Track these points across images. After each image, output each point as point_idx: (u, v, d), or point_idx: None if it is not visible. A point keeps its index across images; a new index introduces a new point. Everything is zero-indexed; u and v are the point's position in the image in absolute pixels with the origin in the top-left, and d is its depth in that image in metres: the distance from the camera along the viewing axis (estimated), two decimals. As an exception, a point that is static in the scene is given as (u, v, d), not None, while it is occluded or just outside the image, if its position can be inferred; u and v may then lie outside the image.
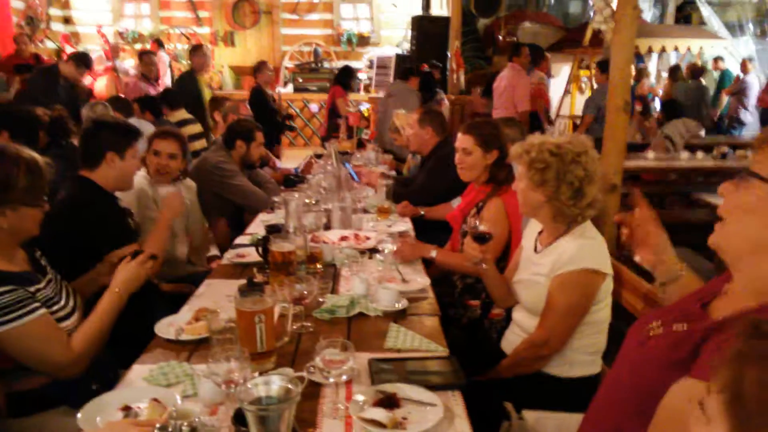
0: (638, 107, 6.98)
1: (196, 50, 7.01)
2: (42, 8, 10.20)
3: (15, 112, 3.81)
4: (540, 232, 2.08)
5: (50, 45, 10.47)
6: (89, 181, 2.37)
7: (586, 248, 1.88)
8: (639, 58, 9.06)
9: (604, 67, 6.83)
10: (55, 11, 10.79)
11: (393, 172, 4.83)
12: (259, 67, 7.25)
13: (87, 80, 8.82)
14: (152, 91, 6.85)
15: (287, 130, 7.86)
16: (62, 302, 1.79)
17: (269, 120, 6.84)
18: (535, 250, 2.05)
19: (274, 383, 0.96)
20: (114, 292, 1.86)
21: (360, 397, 1.46)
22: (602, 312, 1.93)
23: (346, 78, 7.76)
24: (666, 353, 1.17)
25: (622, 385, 1.29)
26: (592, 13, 9.23)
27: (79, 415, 1.38)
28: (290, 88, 10.65)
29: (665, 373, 1.12)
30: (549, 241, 1.99)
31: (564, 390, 1.91)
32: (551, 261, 1.92)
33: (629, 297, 2.07)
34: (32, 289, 1.66)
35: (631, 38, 3.65)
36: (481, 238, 2.03)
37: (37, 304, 1.62)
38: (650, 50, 8.80)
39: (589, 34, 4.36)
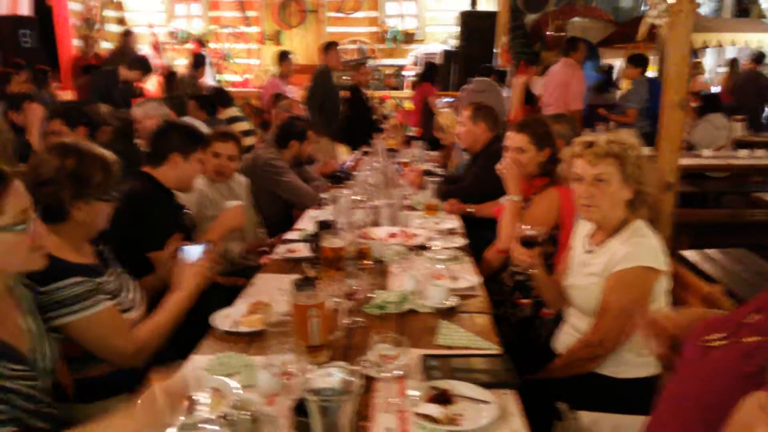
0: (693, 104, 6.76)
1: (329, 48, 6.85)
2: (97, 10, 10.56)
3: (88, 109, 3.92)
4: (589, 234, 2.04)
5: (105, 46, 10.84)
6: (150, 176, 2.44)
7: (640, 246, 1.84)
8: (692, 53, 8.75)
9: (636, 62, 6.65)
10: (109, 13, 11.14)
11: (440, 169, 4.81)
12: (356, 66, 7.23)
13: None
14: (287, 90, 7.00)
15: (378, 132, 7.86)
16: (125, 295, 1.86)
17: (365, 120, 6.88)
18: (586, 251, 2.02)
19: (336, 375, 0.98)
20: (183, 291, 1.92)
21: (413, 393, 1.47)
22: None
23: (433, 75, 7.73)
24: (735, 365, 1.14)
25: (685, 396, 1.26)
26: (643, 7, 8.99)
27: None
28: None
29: (734, 385, 1.09)
30: (601, 241, 1.96)
31: (619, 391, 1.88)
32: (605, 260, 1.89)
33: (688, 298, 2.02)
34: (99, 280, 1.73)
35: (688, 33, 3.55)
36: (530, 243, 2.01)
37: (104, 296, 1.70)
38: (705, 45, 8.49)
39: (643, 29, 4.23)
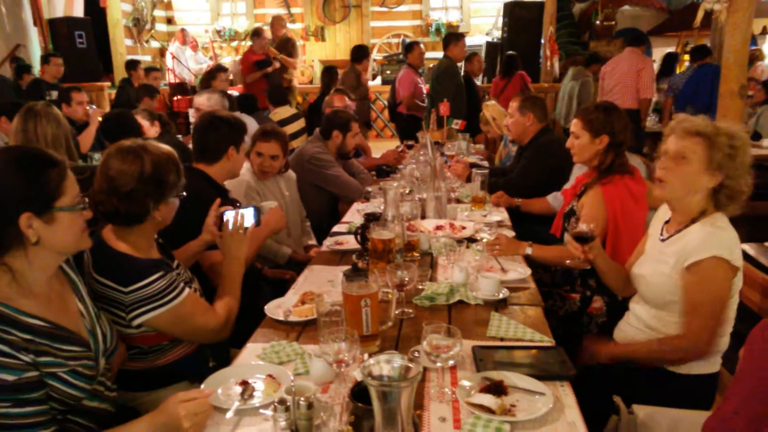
0: (751, 92, 6.49)
1: (451, 40, 6.56)
2: (147, 10, 10.87)
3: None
4: (667, 221, 1.98)
5: (154, 44, 11.15)
6: (205, 174, 2.49)
7: (715, 236, 1.76)
8: (752, 39, 8.41)
9: (695, 55, 6.43)
10: (158, 12, 11.44)
11: (486, 162, 4.77)
12: (469, 58, 7.06)
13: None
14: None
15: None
16: (191, 282, 1.93)
17: (475, 110, 6.82)
18: (661, 239, 1.96)
19: (395, 362, 0.98)
20: (235, 258, 1.97)
21: (467, 383, 1.47)
22: (730, 309, 1.81)
23: (519, 63, 7.21)
24: None
25: (756, 391, 1.21)
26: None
27: (202, 386, 1.48)
28: (378, 80, 10.69)
29: None
30: (676, 229, 1.89)
31: (678, 386, 1.83)
32: (677, 250, 1.82)
33: (749, 293, 1.94)
34: (177, 271, 1.81)
35: (748, 18, 3.42)
36: (583, 239, 2.00)
37: (183, 284, 1.76)
38: (764, 31, 8.16)
39: (700, 15, 4.06)
